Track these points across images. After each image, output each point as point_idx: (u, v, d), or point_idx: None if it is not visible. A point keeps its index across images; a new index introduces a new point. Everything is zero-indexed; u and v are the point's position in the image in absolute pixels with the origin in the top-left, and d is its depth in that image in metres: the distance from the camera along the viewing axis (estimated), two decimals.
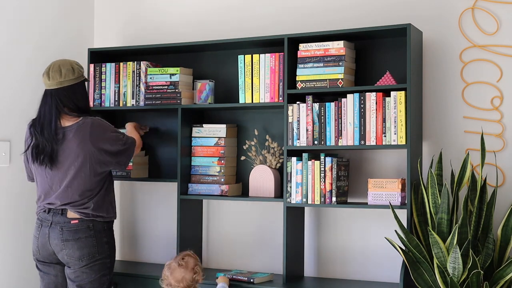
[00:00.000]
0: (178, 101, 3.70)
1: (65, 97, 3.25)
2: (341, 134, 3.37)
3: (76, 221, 3.23)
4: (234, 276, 3.44)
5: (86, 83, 3.41)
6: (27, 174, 3.44)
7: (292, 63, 3.50)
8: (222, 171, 3.69)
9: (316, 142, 3.42)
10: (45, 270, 3.34)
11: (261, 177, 3.61)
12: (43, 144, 3.21)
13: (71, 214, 3.23)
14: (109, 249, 3.32)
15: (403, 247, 3.08)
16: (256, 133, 3.72)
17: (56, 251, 3.25)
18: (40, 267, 3.35)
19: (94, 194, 3.27)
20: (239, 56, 3.61)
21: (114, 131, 3.36)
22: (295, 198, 3.43)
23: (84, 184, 3.23)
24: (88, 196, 3.25)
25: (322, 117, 3.41)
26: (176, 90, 3.71)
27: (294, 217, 3.54)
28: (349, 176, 3.54)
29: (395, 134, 3.25)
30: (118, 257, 4.18)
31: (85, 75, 3.45)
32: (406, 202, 3.23)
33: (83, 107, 3.33)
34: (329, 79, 3.40)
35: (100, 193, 3.30)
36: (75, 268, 3.23)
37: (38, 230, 3.28)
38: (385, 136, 3.27)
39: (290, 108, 3.46)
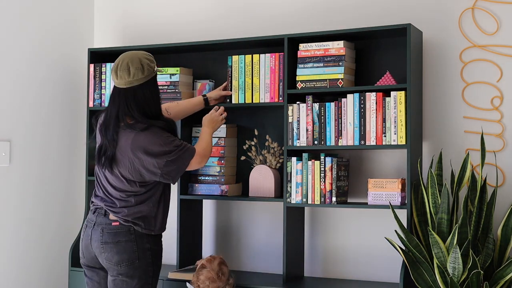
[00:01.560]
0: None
1: (133, 99, 3.01)
2: (341, 134, 3.37)
3: (117, 223, 3.03)
4: None
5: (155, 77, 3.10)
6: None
7: (292, 63, 3.49)
8: (222, 171, 3.69)
9: (316, 142, 3.41)
10: (89, 275, 3.14)
11: (261, 177, 3.61)
12: (106, 147, 3.04)
13: (112, 216, 3.05)
14: (152, 256, 3.08)
15: (403, 247, 3.08)
16: (256, 133, 3.72)
17: (97, 254, 3.05)
18: (86, 271, 3.15)
19: (133, 203, 3.05)
20: (239, 56, 3.61)
21: (167, 137, 3.05)
22: (295, 198, 3.43)
23: (125, 190, 3.05)
24: (128, 202, 3.05)
25: (322, 117, 3.41)
26: (176, 90, 3.71)
27: (294, 217, 3.54)
28: (349, 176, 3.54)
29: (395, 134, 3.25)
30: None
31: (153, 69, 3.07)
32: (406, 202, 3.23)
33: (150, 111, 3.05)
34: (329, 79, 3.40)
35: (144, 203, 3.07)
36: (113, 275, 3.02)
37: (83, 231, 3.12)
38: (385, 136, 3.27)
39: (290, 108, 3.46)
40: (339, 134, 3.37)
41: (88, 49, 3.98)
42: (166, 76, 3.74)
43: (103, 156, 3.05)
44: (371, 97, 3.30)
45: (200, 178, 3.73)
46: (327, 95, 3.55)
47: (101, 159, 3.06)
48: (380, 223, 3.51)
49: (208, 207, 3.95)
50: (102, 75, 3.92)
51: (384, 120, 3.28)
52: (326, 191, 3.36)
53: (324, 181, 3.36)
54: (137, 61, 3.03)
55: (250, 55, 3.58)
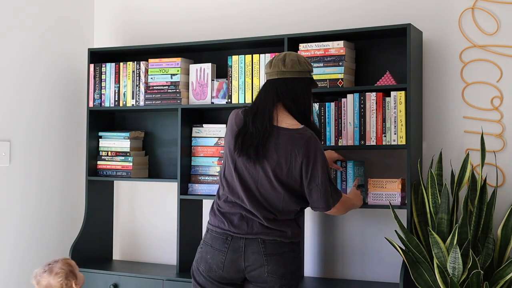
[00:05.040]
0: (178, 101, 3.70)
1: (285, 89, 2.83)
2: (341, 134, 3.37)
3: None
4: None
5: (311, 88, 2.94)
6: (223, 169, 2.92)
7: None
8: None
9: None
10: None
11: None
12: (253, 134, 2.78)
13: None
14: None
15: (403, 247, 3.08)
16: None
17: (252, 268, 2.78)
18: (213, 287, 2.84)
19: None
20: (239, 56, 3.61)
21: (327, 167, 2.84)
22: None
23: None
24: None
25: (322, 117, 3.41)
26: (177, 90, 3.72)
27: None
28: None
29: (395, 134, 3.25)
30: (118, 257, 4.18)
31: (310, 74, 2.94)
32: (406, 202, 3.23)
33: (303, 111, 2.87)
34: (329, 79, 3.40)
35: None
36: None
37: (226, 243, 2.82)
38: (385, 136, 3.27)
39: None
40: (339, 134, 3.37)
41: (88, 49, 3.98)
42: (166, 76, 3.74)
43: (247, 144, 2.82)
44: (371, 97, 3.30)
45: (200, 178, 3.73)
46: (327, 95, 3.55)
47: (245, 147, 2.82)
48: (380, 223, 3.51)
49: (208, 207, 3.94)
50: (102, 75, 3.92)
51: (384, 120, 3.28)
52: None
53: None
54: (295, 55, 2.88)
55: (250, 55, 3.58)
